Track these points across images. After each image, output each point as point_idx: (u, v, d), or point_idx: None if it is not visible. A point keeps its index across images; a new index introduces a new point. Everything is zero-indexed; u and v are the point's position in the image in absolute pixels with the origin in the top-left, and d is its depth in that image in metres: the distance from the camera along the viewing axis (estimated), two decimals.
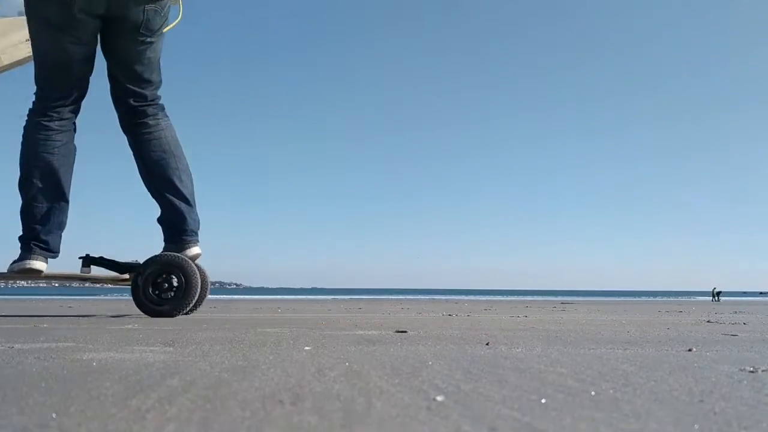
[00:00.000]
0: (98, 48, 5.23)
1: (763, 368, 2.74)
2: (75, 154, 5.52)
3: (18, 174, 5.37)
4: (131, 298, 5.59)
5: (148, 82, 5.19)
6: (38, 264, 5.00)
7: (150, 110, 5.33)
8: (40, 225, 4.97)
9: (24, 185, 5.10)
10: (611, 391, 2.08)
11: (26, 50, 6.62)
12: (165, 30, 5.24)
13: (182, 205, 5.40)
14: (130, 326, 5.70)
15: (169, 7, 5.30)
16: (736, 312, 12.58)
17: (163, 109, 5.47)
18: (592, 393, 2.05)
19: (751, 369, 2.71)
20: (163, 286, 5.12)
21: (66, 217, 5.38)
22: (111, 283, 5.64)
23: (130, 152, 5.49)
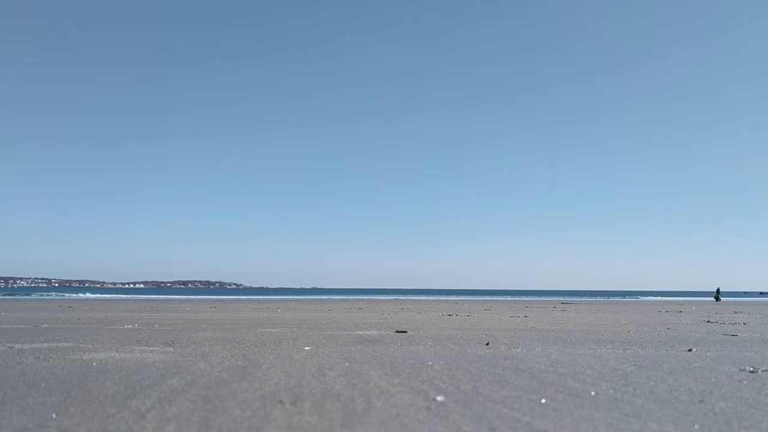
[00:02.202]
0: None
1: (763, 368, 2.74)
2: None
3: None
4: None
5: None
6: None
7: None
8: None
9: None
10: (611, 391, 2.08)
11: None
12: None
13: None
14: (130, 326, 5.70)
15: None
16: (736, 312, 12.57)
17: None
18: (592, 393, 2.05)
19: (751, 369, 2.71)
20: None
21: None
22: None
23: None
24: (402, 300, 30.49)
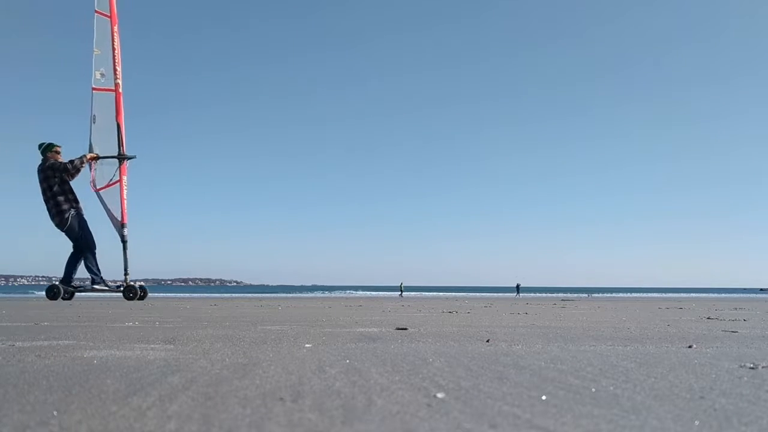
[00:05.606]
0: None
1: (764, 365, 2.74)
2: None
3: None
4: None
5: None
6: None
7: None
8: None
9: None
10: (611, 388, 2.08)
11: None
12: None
13: None
14: (130, 324, 5.70)
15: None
16: (736, 309, 12.57)
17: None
18: (593, 390, 2.05)
19: (752, 365, 2.71)
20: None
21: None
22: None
23: None
24: (403, 297, 30.50)
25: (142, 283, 15.91)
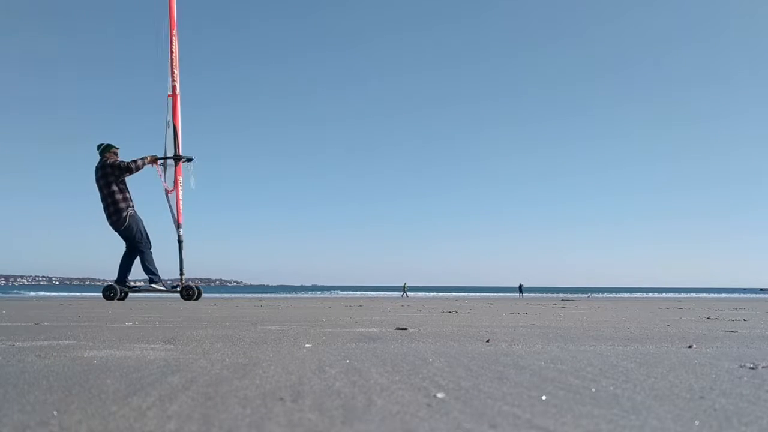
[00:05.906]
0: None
1: (763, 365, 2.74)
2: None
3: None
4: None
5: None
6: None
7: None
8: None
9: None
10: (611, 388, 2.08)
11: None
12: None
13: None
14: (130, 324, 5.70)
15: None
16: (736, 309, 12.57)
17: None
18: (593, 390, 2.05)
19: (752, 365, 2.71)
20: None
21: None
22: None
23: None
24: (408, 297, 30.56)
25: (199, 283, 15.75)
